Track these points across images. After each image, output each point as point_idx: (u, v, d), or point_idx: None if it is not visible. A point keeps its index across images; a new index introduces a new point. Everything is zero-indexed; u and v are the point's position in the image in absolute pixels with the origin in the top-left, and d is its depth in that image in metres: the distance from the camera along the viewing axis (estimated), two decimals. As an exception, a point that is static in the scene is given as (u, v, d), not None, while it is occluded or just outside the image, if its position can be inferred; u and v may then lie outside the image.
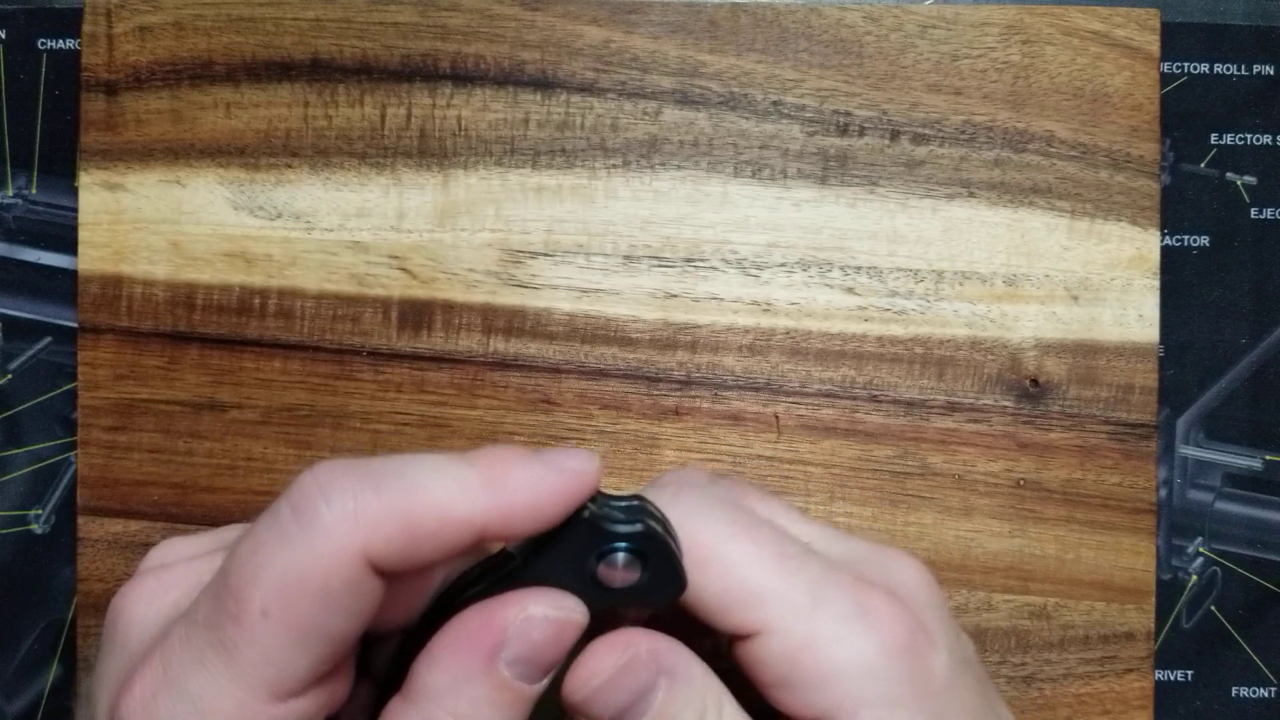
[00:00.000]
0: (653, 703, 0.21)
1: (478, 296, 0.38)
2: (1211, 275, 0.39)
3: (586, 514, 0.21)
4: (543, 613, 0.21)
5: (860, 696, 0.21)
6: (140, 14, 0.38)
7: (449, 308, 0.38)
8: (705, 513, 0.23)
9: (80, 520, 0.38)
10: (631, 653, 0.21)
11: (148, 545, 0.38)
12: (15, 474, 0.39)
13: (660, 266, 0.38)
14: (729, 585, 0.22)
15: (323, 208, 0.38)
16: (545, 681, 0.21)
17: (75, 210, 0.38)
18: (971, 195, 0.38)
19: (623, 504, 0.21)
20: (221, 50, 0.38)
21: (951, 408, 0.38)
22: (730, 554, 0.22)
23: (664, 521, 0.22)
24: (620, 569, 0.21)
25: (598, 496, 0.21)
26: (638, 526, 0.21)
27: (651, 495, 0.22)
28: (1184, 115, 0.39)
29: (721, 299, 0.38)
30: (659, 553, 0.21)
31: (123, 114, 0.38)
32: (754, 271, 0.38)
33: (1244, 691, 0.39)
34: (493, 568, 0.21)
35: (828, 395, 0.38)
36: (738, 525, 0.23)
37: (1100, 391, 0.38)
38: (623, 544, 0.21)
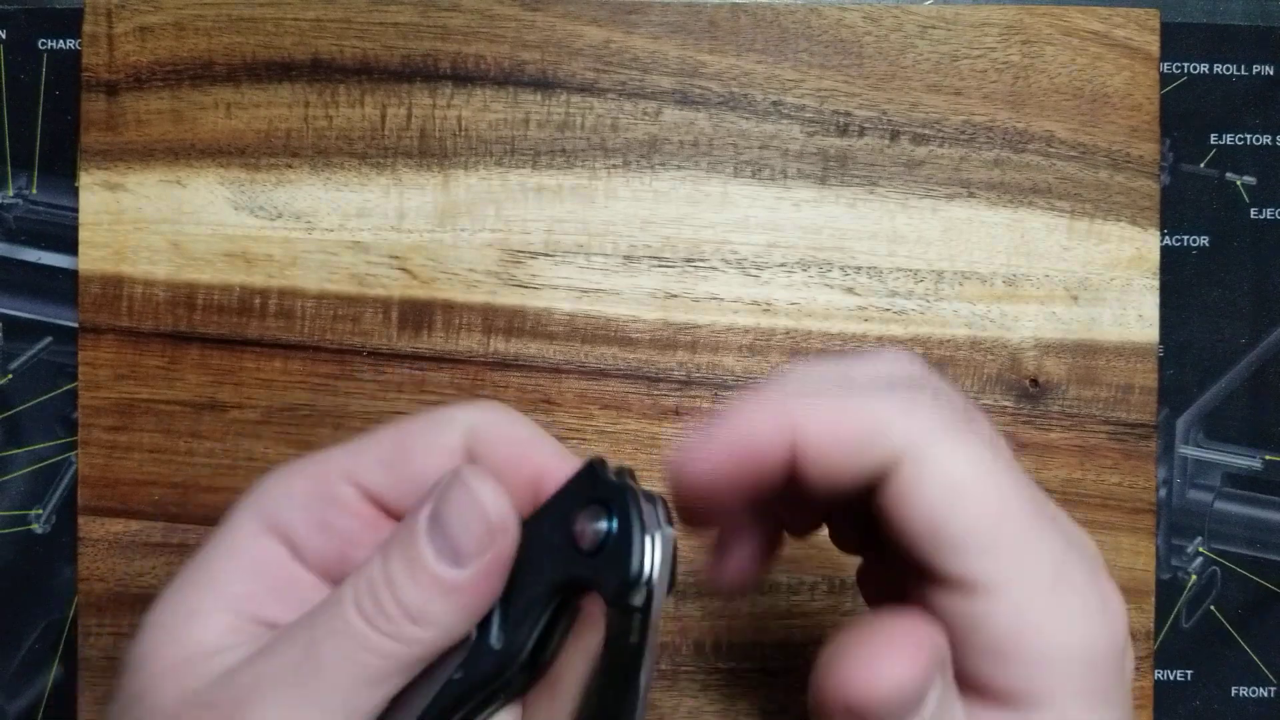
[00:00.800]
0: (927, 707, 0.19)
1: (478, 296, 0.38)
2: (1211, 275, 0.39)
3: (591, 461, 0.21)
4: (471, 478, 0.20)
5: (1075, 688, 0.19)
6: (141, 14, 0.38)
7: (449, 308, 0.38)
8: (966, 433, 0.20)
9: (81, 520, 0.38)
10: (931, 651, 0.19)
11: (148, 545, 0.38)
12: (16, 474, 0.39)
13: (660, 266, 0.38)
14: (977, 525, 0.19)
15: (323, 208, 0.38)
16: (471, 582, 0.20)
17: (76, 210, 0.38)
18: (971, 195, 0.38)
19: (629, 471, 0.21)
20: (222, 50, 0.38)
21: (951, 408, 0.37)
22: (989, 491, 0.19)
23: (656, 506, 0.21)
24: (589, 524, 0.20)
25: (615, 465, 0.21)
26: (625, 481, 0.21)
27: (883, 399, 0.20)
28: (1183, 115, 0.39)
29: (721, 299, 0.38)
30: (626, 520, 0.20)
31: (123, 114, 0.38)
32: (754, 271, 0.38)
33: (1243, 691, 0.39)
34: None
35: (828, 395, 0.38)
36: (1001, 460, 0.20)
37: (1100, 391, 0.38)
38: (601, 497, 0.21)
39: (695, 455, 0.20)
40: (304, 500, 0.22)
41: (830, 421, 0.20)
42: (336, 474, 0.22)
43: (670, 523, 0.21)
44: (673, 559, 0.20)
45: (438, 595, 0.20)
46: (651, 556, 0.20)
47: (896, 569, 0.22)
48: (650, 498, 0.21)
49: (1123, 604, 0.20)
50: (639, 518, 0.20)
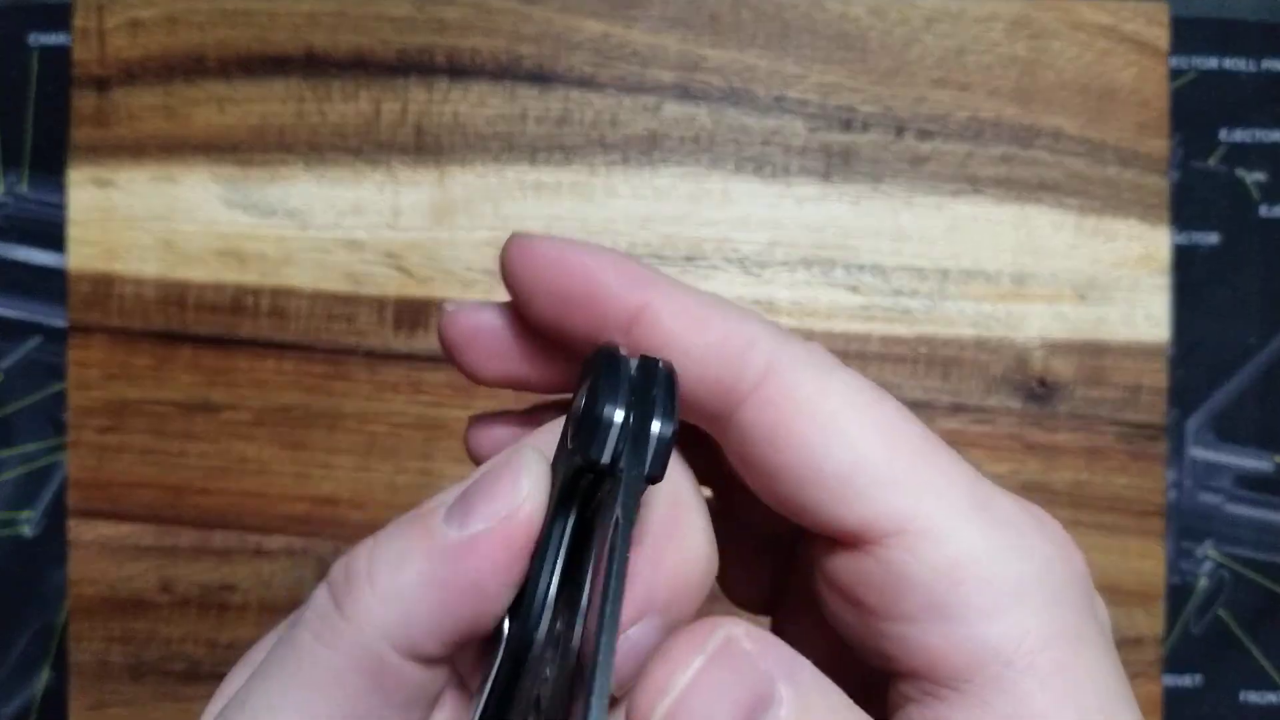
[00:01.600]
0: None
1: (475, 295, 0.37)
2: (1221, 274, 0.39)
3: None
4: (523, 448, 0.16)
5: (1042, 631, 0.15)
6: (132, 8, 0.38)
7: (446, 307, 0.37)
8: (841, 366, 0.17)
9: (71, 523, 0.38)
10: (723, 637, 0.15)
11: (139, 548, 0.37)
12: (6, 476, 0.39)
13: (660, 265, 0.37)
14: (865, 455, 0.16)
15: (317, 205, 0.38)
16: (465, 547, 0.16)
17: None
18: (977, 192, 0.37)
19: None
20: (214, 45, 0.38)
21: (957, 409, 0.37)
22: (873, 418, 0.16)
23: (648, 363, 0.16)
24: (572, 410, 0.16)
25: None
26: (600, 347, 0.16)
27: (752, 318, 0.17)
28: (1193, 111, 0.39)
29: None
30: (593, 377, 0.16)
31: (114, 110, 0.38)
32: (756, 270, 0.37)
33: (1253, 696, 0.38)
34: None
35: (831, 396, 0.37)
36: (882, 394, 0.17)
37: (1108, 392, 0.37)
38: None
39: (537, 246, 0.17)
40: None
41: (690, 313, 0.17)
42: None
43: (664, 367, 0.16)
44: (661, 395, 0.16)
45: (420, 559, 0.16)
46: (616, 394, 0.15)
47: (813, 600, 0.18)
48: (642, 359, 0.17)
49: (1066, 534, 0.17)
50: (604, 368, 0.16)
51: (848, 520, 0.16)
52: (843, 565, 0.16)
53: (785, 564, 0.21)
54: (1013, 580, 0.15)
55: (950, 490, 0.16)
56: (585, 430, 0.15)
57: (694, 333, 0.17)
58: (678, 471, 0.17)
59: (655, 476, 0.15)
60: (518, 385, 0.19)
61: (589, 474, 0.16)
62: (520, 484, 0.16)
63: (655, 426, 0.15)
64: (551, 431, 0.18)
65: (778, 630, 0.22)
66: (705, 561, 0.16)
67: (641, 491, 0.15)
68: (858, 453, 0.16)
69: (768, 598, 0.22)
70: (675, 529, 0.16)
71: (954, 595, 0.15)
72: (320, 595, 0.16)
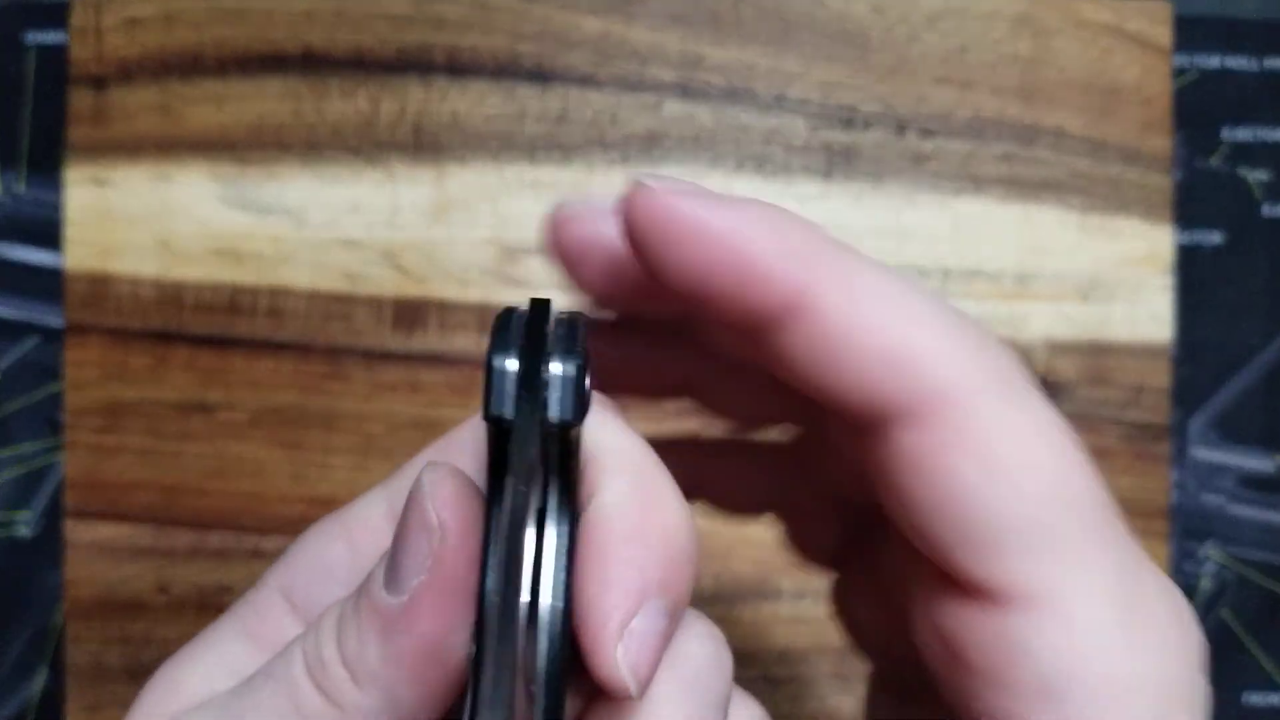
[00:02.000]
0: None
1: (473, 295, 0.37)
2: (1224, 273, 0.39)
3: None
4: (425, 475, 0.14)
5: None
6: (130, 7, 0.38)
7: (443, 307, 0.37)
8: (1029, 391, 0.15)
9: (68, 523, 0.37)
10: None
11: (137, 549, 0.37)
12: (3, 477, 0.39)
13: (660, 264, 0.37)
14: (1031, 513, 0.14)
15: (314, 204, 0.37)
16: (407, 614, 0.14)
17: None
18: (980, 191, 0.37)
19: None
20: (211, 43, 0.38)
21: (959, 409, 0.37)
22: (1052, 470, 0.14)
23: (570, 332, 0.14)
24: None
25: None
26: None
27: (937, 317, 0.15)
28: (1195, 110, 0.39)
29: (723, 297, 0.37)
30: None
31: (111, 108, 0.38)
32: (756, 269, 0.37)
33: (1255, 698, 0.38)
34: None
35: (832, 396, 0.37)
36: (1069, 437, 0.15)
37: (1111, 392, 0.37)
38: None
39: (673, 204, 0.15)
40: (338, 569, 0.17)
41: (860, 309, 0.14)
42: (377, 530, 0.17)
43: (560, 305, 0.15)
44: (561, 333, 0.14)
45: (374, 636, 0.14)
46: (506, 344, 0.14)
47: (888, 579, 0.17)
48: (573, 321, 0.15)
49: (1194, 621, 0.16)
50: (495, 323, 0.14)
51: (978, 574, 0.14)
52: (954, 612, 0.15)
53: (858, 524, 0.20)
54: (1132, 676, 0.14)
55: (1099, 565, 0.14)
56: (485, 389, 0.14)
57: (862, 335, 0.14)
58: (627, 434, 0.15)
59: (567, 421, 0.13)
60: (632, 312, 0.16)
61: (507, 444, 0.14)
62: (428, 516, 0.14)
63: (555, 366, 0.14)
64: (474, 428, 0.16)
65: (840, 590, 0.21)
66: (687, 527, 0.15)
67: (542, 438, 0.13)
68: (1018, 510, 0.14)
69: (834, 556, 0.20)
70: (647, 498, 0.14)
71: (1070, 683, 0.14)
72: (301, 678, 0.15)
